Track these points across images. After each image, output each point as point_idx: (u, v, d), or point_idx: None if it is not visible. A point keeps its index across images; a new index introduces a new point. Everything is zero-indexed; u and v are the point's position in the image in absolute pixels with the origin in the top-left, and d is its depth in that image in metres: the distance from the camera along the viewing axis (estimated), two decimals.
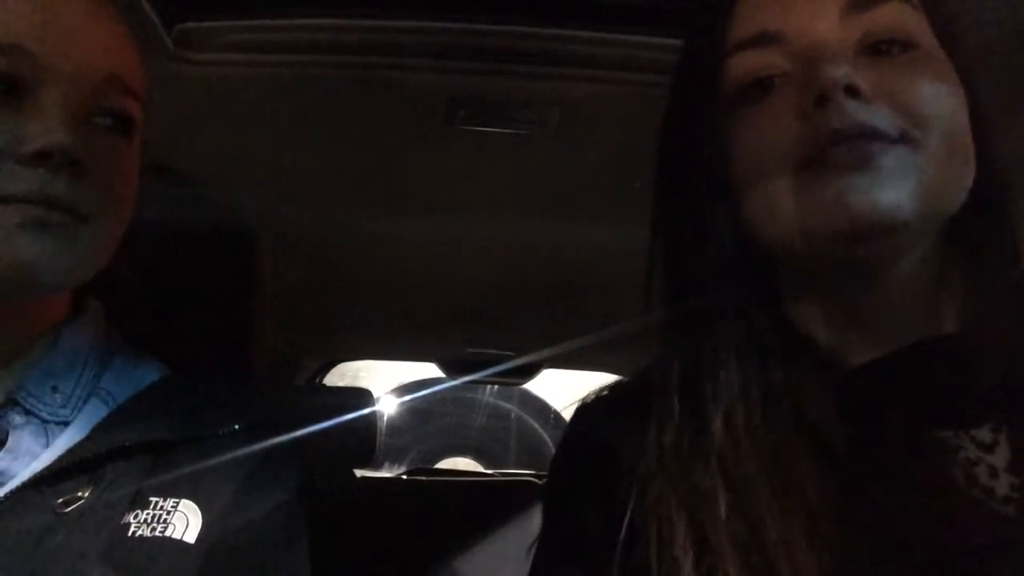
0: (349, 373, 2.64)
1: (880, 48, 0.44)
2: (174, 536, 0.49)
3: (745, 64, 0.46)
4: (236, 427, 0.56)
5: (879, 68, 0.43)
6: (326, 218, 1.29)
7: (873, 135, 0.41)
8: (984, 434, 0.41)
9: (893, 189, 0.41)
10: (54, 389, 0.53)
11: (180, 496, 0.52)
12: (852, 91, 0.42)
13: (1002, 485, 0.39)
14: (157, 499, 0.51)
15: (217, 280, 0.67)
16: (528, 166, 1.07)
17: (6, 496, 0.48)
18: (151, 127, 1.03)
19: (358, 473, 1.96)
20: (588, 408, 0.57)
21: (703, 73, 0.49)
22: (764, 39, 0.45)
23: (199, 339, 0.64)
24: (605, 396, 0.57)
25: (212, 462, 0.54)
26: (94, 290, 0.60)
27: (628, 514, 0.45)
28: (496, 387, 3.55)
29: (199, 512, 0.51)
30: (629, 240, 1.29)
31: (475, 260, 1.45)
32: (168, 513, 0.50)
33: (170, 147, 1.05)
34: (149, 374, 0.60)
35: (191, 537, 0.50)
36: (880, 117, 0.42)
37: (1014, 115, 0.76)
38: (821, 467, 0.42)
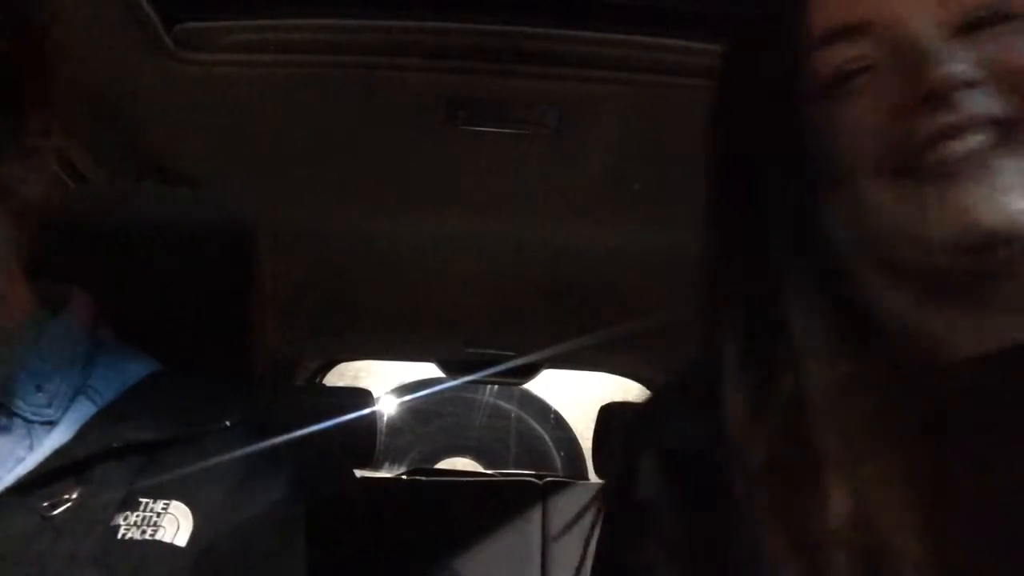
0: (349, 373, 2.64)
1: (979, 23, 0.39)
2: (164, 539, 0.48)
3: (830, 59, 0.42)
4: (228, 423, 0.55)
5: (983, 46, 0.38)
6: (326, 218, 1.29)
7: (986, 125, 0.37)
8: None
9: (1020, 194, 0.37)
10: (38, 388, 0.51)
11: (170, 497, 0.50)
12: (966, 84, 0.37)
13: None
14: (147, 500, 0.50)
15: (216, 280, 0.67)
16: (528, 166, 1.07)
17: None
18: (151, 127, 1.04)
19: (358, 473, 1.96)
20: (646, 415, 0.52)
21: (781, 70, 0.44)
22: (850, 31, 0.41)
23: (198, 339, 0.64)
24: (660, 401, 0.52)
25: (203, 462, 0.52)
26: (85, 285, 0.59)
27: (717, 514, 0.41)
28: (496, 387, 3.55)
29: (190, 514, 0.50)
30: (629, 240, 1.30)
31: (475, 260, 1.45)
32: (158, 515, 0.49)
33: (170, 147, 1.05)
34: (138, 370, 0.58)
35: (182, 540, 0.49)
36: (994, 103, 0.38)
37: None
38: (926, 458, 0.38)
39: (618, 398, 2.48)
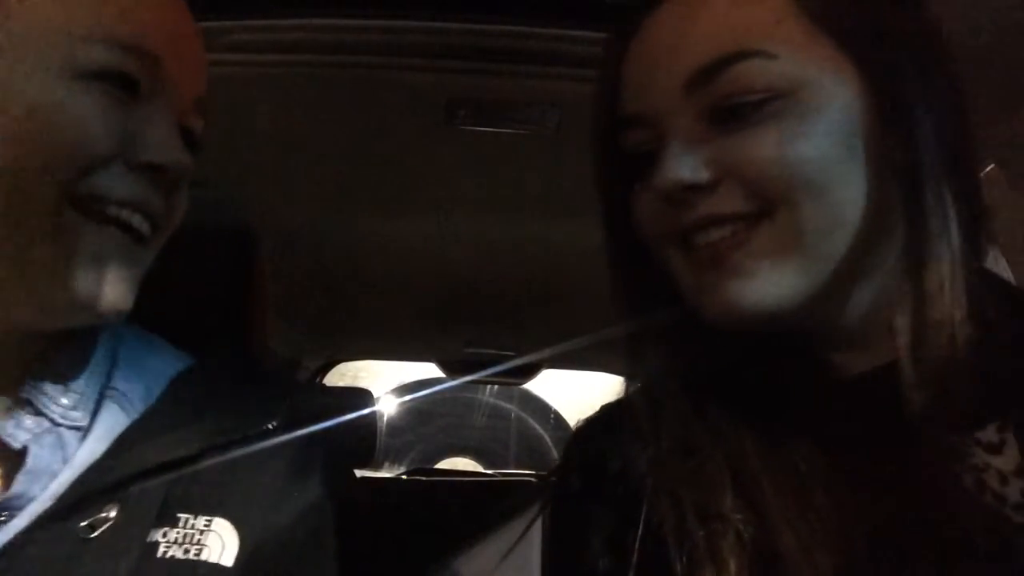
0: (349, 373, 2.64)
1: (735, 112, 0.41)
2: (211, 560, 0.46)
3: (627, 141, 0.47)
4: (271, 425, 0.52)
5: (733, 137, 0.41)
6: (326, 218, 1.29)
7: (723, 221, 0.41)
8: (990, 435, 0.40)
9: (763, 282, 0.41)
10: (65, 388, 0.49)
11: (212, 513, 0.48)
12: (692, 187, 0.41)
13: (1013, 491, 0.38)
14: (187, 515, 0.47)
15: (216, 280, 0.67)
16: (528, 166, 1.08)
17: (27, 526, 0.43)
18: None
19: (358, 473, 1.96)
20: (583, 430, 0.56)
21: (603, 143, 0.51)
22: (631, 120, 0.46)
23: (198, 339, 0.64)
24: (598, 417, 0.56)
25: (244, 470, 0.50)
26: None
27: (639, 527, 0.44)
28: (496, 387, 3.55)
29: (234, 531, 0.48)
30: None
31: (475, 260, 1.45)
32: (201, 533, 0.47)
33: None
34: (163, 366, 0.55)
35: (228, 560, 0.46)
36: (729, 201, 0.41)
37: (1008, 112, 0.76)
38: (828, 474, 0.40)
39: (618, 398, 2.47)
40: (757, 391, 0.44)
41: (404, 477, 2.30)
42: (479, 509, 1.88)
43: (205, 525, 0.47)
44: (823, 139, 0.40)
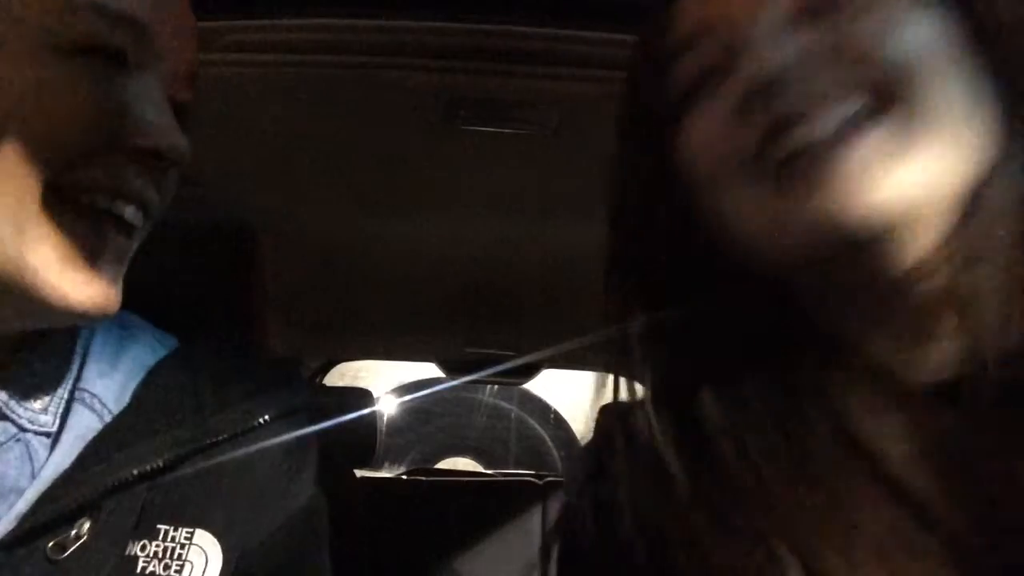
0: (349, 373, 2.64)
1: (817, 10, 0.36)
2: None
3: (683, 69, 0.41)
4: (260, 421, 0.47)
5: (822, 33, 0.36)
6: (326, 218, 1.29)
7: (813, 117, 0.35)
8: None
9: (877, 180, 0.33)
10: (35, 390, 0.44)
11: (193, 524, 0.44)
12: (777, 79, 0.35)
13: None
14: (166, 527, 0.43)
15: (216, 280, 0.67)
16: (528, 166, 1.07)
17: None
18: None
19: (358, 473, 1.96)
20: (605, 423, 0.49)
21: (653, 78, 0.43)
22: (693, 37, 0.40)
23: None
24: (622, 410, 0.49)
25: (226, 474, 0.46)
26: None
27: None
28: (496, 387, 3.55)
29: (217, 543, 0.44)
30: None
31: (475, 260, 1.45)
32: (182, 547, 0.43)
33: None
34: (143, 355, 0.50)
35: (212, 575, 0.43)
36: (834, 89, 0.35)
37: None
38: (885, 497, 0.34)
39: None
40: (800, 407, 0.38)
41: (404, 477, 2.30)
42: (479, 509, 1.88)
43: (186, 538, 0.44)
44: (929, 30, 0.35)
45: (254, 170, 1.12)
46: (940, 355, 0.37)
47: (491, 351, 2.00)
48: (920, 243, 0.35)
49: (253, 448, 0.47)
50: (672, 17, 0.42)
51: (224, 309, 0.67)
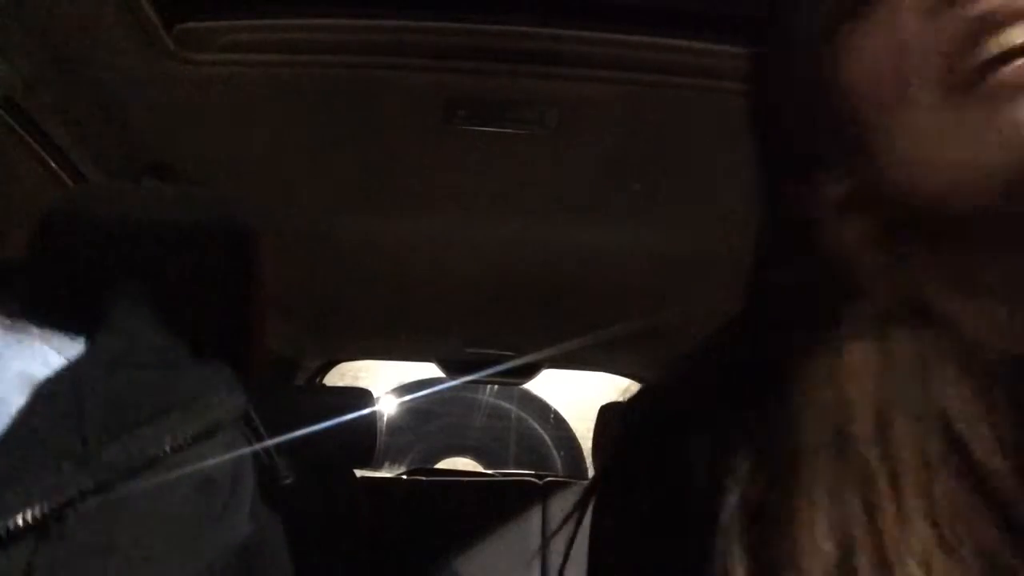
0: (349, 373, 2.64)
1: None
2: None
3: None
4: (166, 449, 0.38)
5: None
6: (326, 218, 1.29)
7: None
8: None
9: None
10: None
11: None
12: None
13: None
14: None
15: (216, 280, 0.67)
16: (528, 166, 1.07)
17: None
18: (151, 127, 1.04)
19: (358, 473, 1.97)
20: (640, 414, 0.43)
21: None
22: None
23: (198, 340, 0.64)
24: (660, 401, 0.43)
25: (127, 519, 0.37)
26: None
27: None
28: (496, 387, 3.55)
29: None
30: (629, 240, 1.30)
31: (475, 260, 1.45)
32: None
33: (170, 147, 1.05)
34: (25, 365, 0.40)
35: None
36: None
37: None
38: (984, 497, 0.29)
39: (618, 398, 2.48)
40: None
41: (404, 477, 2.30)
42: (479, 509, 1.88)
43: None
44: None
45: (254, 170, 1.12)
46: None
47: (491, 351, 2.01)
48: None
49: (167, 482, 0.37)
50: None
51: (223, 309, 0.67)
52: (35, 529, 0.35)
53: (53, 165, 0.93)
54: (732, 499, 0.33)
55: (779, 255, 0.39)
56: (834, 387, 0.33)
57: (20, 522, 0.34)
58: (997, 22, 0.29)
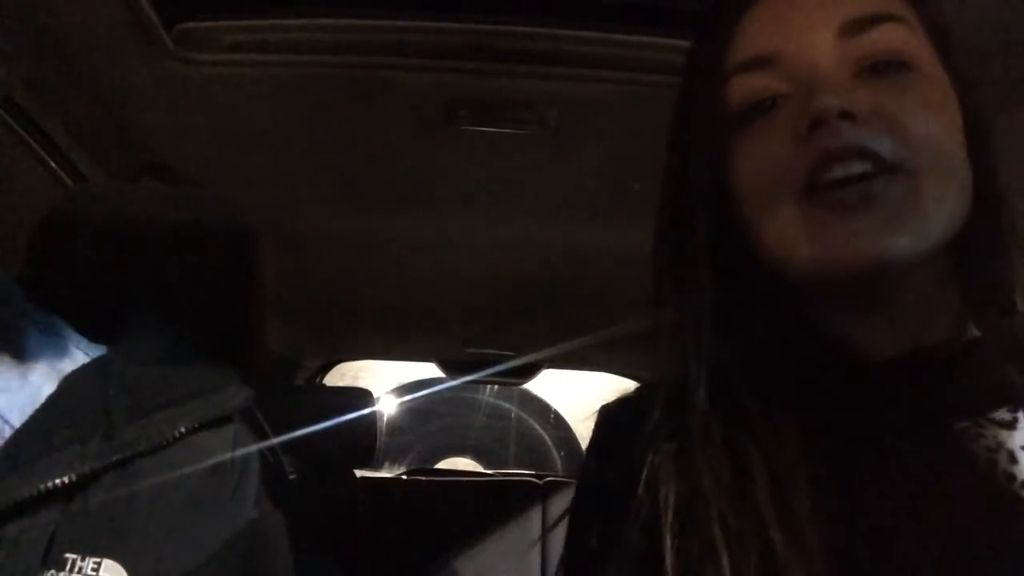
0: (349, 373, 2.64)
1: (878, 69, 0.43)
2: None
3: (745, 86, 0.46)
4: (179, 432, 0.43)
5: (876, 90, 0.43)
6: (326, 218, 1.29)
7: (866, 156, 0.41)
8: (1003, 414, 0.42)
9: (899, 227, 0.40)
10: None
11: (101, 553, 0.40)
12: (845, 115, 0.41)
13: (1022, 470, 0.39)
14: (74, 556, 0.40)
15: (217, 280, 0.67)
16: (528, 166, 1.07)
17: None
18: (151, 127, 1.04)
19: (358, 473, 1.97)
20: (611, 412, 0.55)
21: (705, 94, 0.48)
22: (762, 61, 0.45)
23: (198, 340, 0.64)
24: (628, 400, 0.55)
25: (138, 496, 0.42)
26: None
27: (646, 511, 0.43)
28: (496, 387, 3.55)
29: (124, 573, 0.41)
30: (628, 240, 1.29)
31: (475, 260, 1.45)
32: None
33: (170, 147, 1.05)
34: (56, 365, 0.46)
35: None
36: (874, 139, 0.41)
37: (1010, 117, 0.76)
38: (836, 461, 0.41)
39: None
40: (790, 381, 0.44)
41: (404, 477, 2.30)
42: (479, 509, 1.88)
43: (93, 569, 0.40)
44: (949, 121, 0.43)
45: (254, 170, 1.12)
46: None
47: (491, 351, 2.01)
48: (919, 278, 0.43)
49: (173, 466, 0.42)
50: (736, 35, 0.47)
51: (224, 310, 0.67)
52: (61, 495, 0.40)
53: (53, 165, 0.93)
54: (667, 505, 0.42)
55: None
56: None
57: (48, 486, 0.39)
58: (840, 156, 0.41)
